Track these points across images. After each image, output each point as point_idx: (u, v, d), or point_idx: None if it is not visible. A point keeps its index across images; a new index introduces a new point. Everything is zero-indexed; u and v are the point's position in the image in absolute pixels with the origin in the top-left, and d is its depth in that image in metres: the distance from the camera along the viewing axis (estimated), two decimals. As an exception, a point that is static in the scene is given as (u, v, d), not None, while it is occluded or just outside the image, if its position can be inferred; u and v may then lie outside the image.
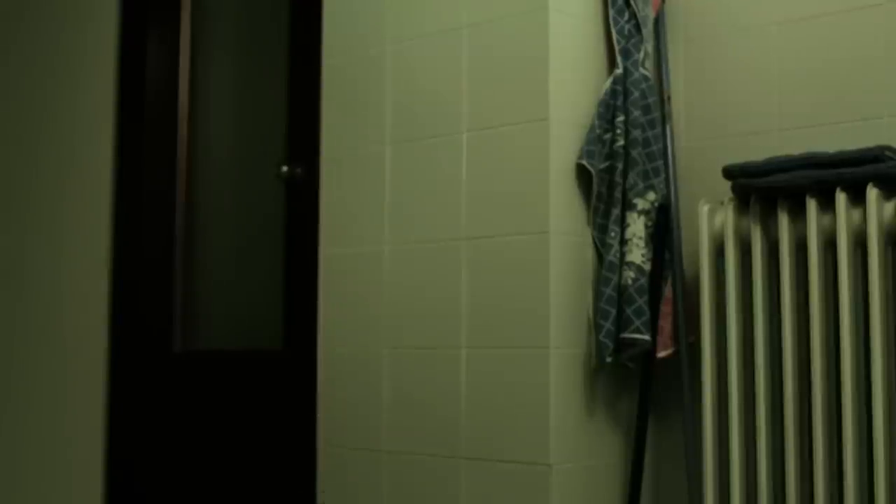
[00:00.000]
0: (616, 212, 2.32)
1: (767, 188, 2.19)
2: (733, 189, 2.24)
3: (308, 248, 2.75)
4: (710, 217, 2.27)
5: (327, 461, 2.62)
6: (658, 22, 2.46)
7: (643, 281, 2.29)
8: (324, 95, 2.72)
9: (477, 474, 2.33)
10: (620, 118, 2.34)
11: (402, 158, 2.54)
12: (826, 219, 2.14)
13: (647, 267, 2.31)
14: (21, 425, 3.38)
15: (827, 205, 2.14)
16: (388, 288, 2.53)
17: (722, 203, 2.28)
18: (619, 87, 2.36)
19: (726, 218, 2.24)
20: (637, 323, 2.27)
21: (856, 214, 2.11)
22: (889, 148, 2.12)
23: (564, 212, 2.30)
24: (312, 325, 2.70)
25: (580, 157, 2.33)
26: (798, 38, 2.32)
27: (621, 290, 2.30)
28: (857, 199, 2.11)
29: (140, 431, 3.16)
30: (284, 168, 2.91)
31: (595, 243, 2.35)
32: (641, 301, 2.27)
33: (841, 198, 2.11)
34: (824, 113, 2.27)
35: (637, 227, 2.31)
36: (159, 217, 3.22)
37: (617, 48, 2.39)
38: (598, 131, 2.34)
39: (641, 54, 2.38)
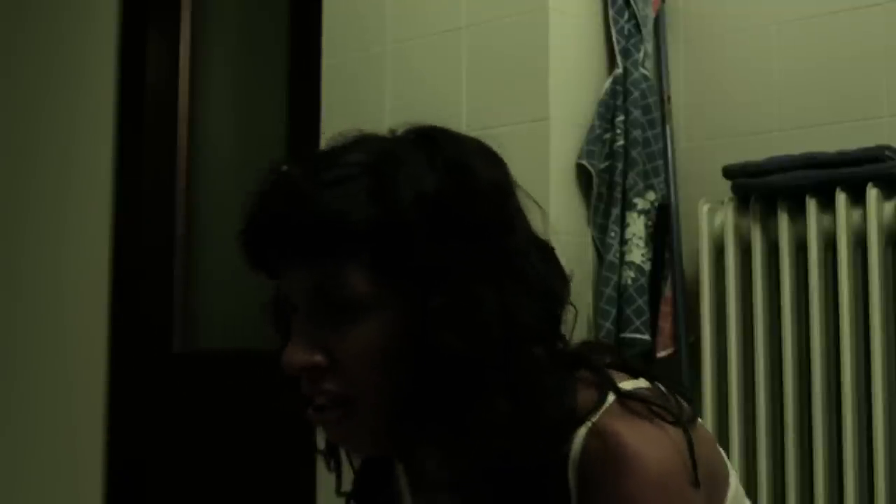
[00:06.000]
0: (616, 212, 2.32)
1: (767, 188, 2.19)
2: (733, 189, 2.24)
3: (308, 248, 2.74)
4: (710, 217, 2.27)
5: (327, 461, 2.61)
6: (658, 22, 2.46)
7: (643, 281, 2.29)
8: (324, 95, 2.71)
9: (477, 474, 2.32)
10: (620, 118, 2.34)
11: (402, 158, 2.53)
12: (826, 219, 2.14)
13: (647, 267, 2.31)
14: (21, 425, 3.38)
15: (827, 205, 2.14)
16: (388, 288, 2.52)
17: (722, 203, 2.28)
18: (619, 87, 2.36)
19: (726, 218, 2.24)
20: (637, 323, 2.26)
21: (856, 214, 2.11)
22: (889, 148, 2.12)
23: (564, 212, 2.29)
24: (312, 325, 2.69)
25: (580, 157, 2.33)
26: (798, 38, 2.32)
27: (621, 289, 2.29)
28: (857, 199, 2.11)
29: (140, 431, 3.15)
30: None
31: (595, 243, 2.35)
32: (641, 301, 2.27)
33: (841, 198, 2.11)
34: (824, 113, 2.27)
35: (637, 227, 2.31)
36: (159, 217, 3.22)
37: (617, 48, 2.38)
38: (598, 131, 2.34)
39: (641, 54, 2.38)
